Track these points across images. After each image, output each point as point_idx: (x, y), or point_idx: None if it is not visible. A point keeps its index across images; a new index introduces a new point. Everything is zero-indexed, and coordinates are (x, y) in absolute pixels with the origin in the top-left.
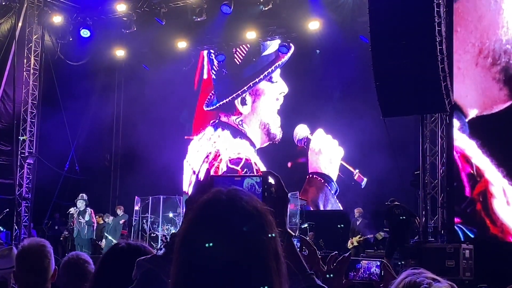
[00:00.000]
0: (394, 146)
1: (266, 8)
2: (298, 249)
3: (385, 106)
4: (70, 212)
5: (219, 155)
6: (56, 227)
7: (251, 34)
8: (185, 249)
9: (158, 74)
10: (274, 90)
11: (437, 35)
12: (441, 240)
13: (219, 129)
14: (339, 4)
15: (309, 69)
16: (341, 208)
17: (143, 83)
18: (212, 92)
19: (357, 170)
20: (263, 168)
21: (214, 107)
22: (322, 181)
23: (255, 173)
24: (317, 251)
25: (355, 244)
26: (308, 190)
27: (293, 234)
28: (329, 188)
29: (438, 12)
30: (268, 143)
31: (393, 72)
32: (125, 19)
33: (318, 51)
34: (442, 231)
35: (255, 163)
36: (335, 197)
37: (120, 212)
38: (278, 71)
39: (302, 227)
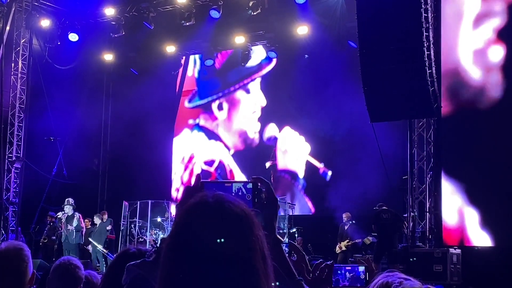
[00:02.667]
0: (382, 151)
1: (254, 13)
2: (287, 254)
3: (373, 111)
4: (58, 217)
5: (193, 157)
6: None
7: (239, 39)
8: (173, 253)
9: (146, 78)
10: (250, 101)
11: (425, 40)
12: (429, 244)
13: (195, 131)
14: (327, 9)
15: (297, 73)
16: (309, 204)
17: (132, 87)
18: (195, 89)
19: (322, 164)
20: (236, 170)
21: (195, 104)
22: (289, 179)
23: (228, 175)
24: (306, 256)
25: (343, 248)
26: (277, 189)
27: (282, 240)
28: (295, 185)
29: (426, 17)
30: (244, 148)
31: (381, 77)
32: (113, 23)
33: (306, 56)
34: (430, 235)
35: (228, 164)
36: (302, 192)
37: (105, 217)
38: (258, 83)
39: (291, 232)
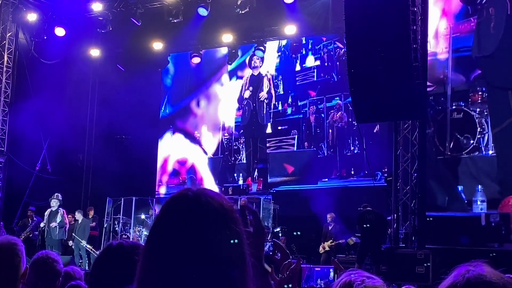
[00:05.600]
0: (367, 152)
1: (243, 12)
2: (271, 253)
3: (360, 112)
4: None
5: (169, 157)
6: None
7: (227, 37)
8: (150, 244)
9: (133, 75)
10: (226, 93)
11: (412, 42)
12: (412, 246)
13: (176, 133)
14: (315, 10)
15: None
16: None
17: (118, 83)
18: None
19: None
20: (208, 177)
21: (167, 115)
22: None
23: (196, 178)
24: (290, 255)
25: (327, 249)
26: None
27: (269, 270)
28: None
29: (414, 19)
30: (222, 136)
31: (368, 78)
32: (100, 18)
33: (293, 55)
34: (413, 237)
35: (199, 170)
36: None
37: (91, 213)
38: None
39: (275, 231)
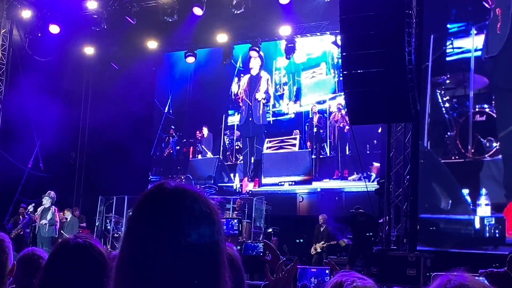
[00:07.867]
0: (360, 154)
1: (238, 12)
2: (261, 254)
3: (353, 114)
4: (30, 210)
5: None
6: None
7: (222, 37)
8: (127, 238)
9: (127, 73)
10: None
11: (406, 45)
12: (403, 248)
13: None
14: (311, 11)
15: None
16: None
17: (112, 81)
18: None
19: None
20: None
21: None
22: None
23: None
24: (281, 257)
25: (319, 250)
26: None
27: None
28: None
29: (409, 22)
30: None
31: (362, 80)
32: (95, 16)
33: (289, 56)
34: (405, 239)
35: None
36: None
37: (76, 214)
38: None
39: (267, 232)
